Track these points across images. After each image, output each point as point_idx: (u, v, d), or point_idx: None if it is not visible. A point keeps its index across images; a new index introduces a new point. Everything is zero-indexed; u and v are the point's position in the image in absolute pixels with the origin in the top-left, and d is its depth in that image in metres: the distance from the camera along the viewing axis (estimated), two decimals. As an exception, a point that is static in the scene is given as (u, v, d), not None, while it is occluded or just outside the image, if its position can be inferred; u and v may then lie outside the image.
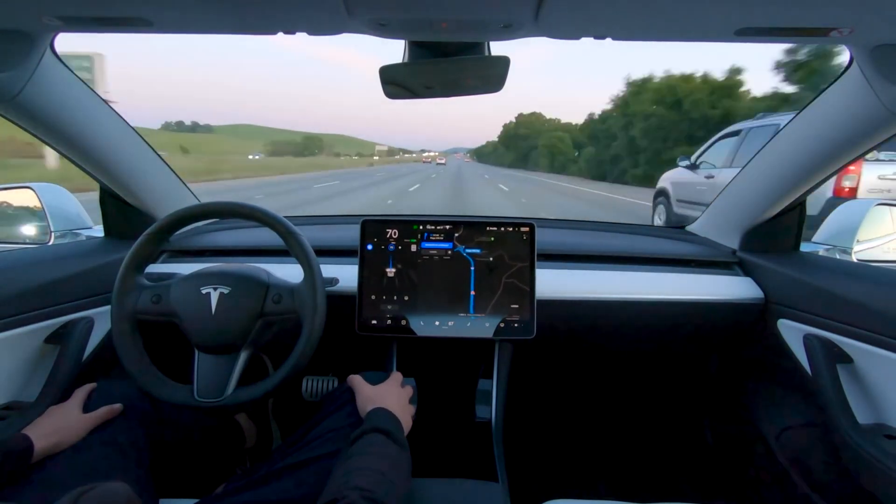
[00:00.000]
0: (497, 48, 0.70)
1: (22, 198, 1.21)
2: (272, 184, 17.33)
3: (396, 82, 0.76)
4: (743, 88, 21.48)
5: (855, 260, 1.14)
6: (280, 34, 0.62)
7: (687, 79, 23.46)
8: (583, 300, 1.05)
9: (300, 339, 0.80)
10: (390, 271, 0.99)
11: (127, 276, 0.82)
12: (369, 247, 0.99)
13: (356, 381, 0.81)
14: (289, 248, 0.83)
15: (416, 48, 0.70)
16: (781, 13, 0.54)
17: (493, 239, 0.99)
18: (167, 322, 0.81)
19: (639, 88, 26.74)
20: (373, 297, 0.98)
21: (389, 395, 0.77)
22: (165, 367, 0.83)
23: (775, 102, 14.56)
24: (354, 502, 0.51)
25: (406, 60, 0.71)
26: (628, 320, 1.09)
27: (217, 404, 0.79)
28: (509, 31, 0.60)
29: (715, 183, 4.82)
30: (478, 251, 0.99)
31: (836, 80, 0.79)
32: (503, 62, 0.70)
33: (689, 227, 1.32)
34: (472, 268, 0.98)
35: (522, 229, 0.99)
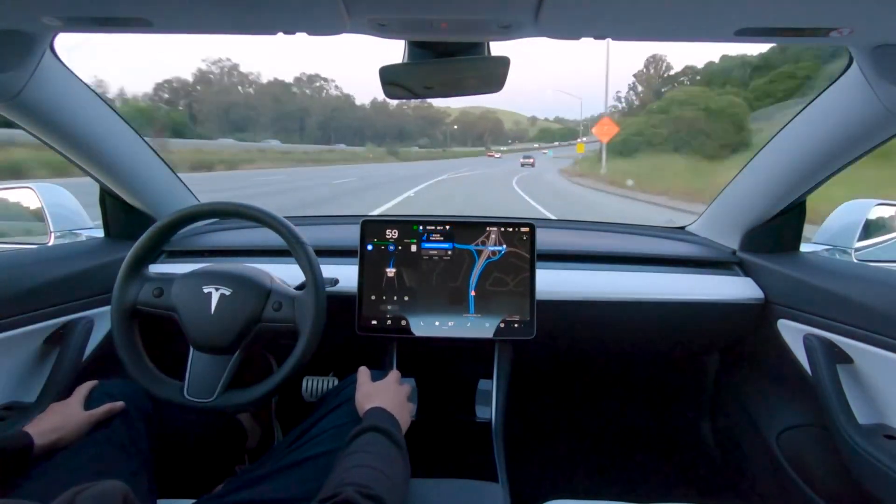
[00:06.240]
0: (497, 48, 0.71)
1: (22, 198, 1.22)
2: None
3: (396, 82, 0.76)
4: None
5: (855, 260, 1.14)
6: (280, 34, 0.62)
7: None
8: (583, 300, 1.05)
9: (294, 352, 0.80)
10: (390, 271, 0.98)
11: (131, 268, 0.82)
12: (369, 247, 0.99)
13: (362, 374, 0.82)
14: (292, 253, 0.84)
15: (415, 48, 0.70)
16: (781, 13, 0.54)
17: (493, 239, 0.99)
18: (166, 316, 0.82)
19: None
20: (373, 297, 0.98)
21: (387, 394, 0.77)
22: (161, 363, 0.83)
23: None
24: (350, 498, 0.51)
25: (406, 61, 0.71)
26: (628, 320, 1.09)
27: (204, 405, 0.79)
28: (509, 31, 0.60)
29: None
30: (478, 251, 0.99)
31: (836, 80, 0.79)
32: (503, 62, 0.70)
33: (689, 227, 1.32)
34: (472, 268, 0.98)
35: (522, 229, 0.99)
